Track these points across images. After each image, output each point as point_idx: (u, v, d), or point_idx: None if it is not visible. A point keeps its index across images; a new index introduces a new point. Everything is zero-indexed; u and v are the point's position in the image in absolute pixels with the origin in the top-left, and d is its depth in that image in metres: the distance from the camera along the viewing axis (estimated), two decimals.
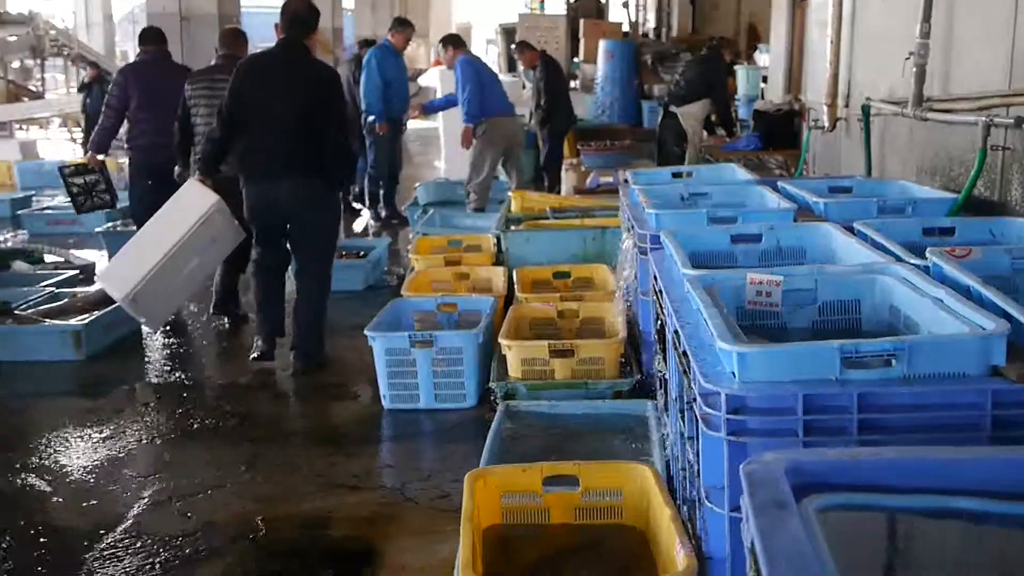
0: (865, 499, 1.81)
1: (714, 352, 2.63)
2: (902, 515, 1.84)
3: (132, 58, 32.26)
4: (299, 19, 5.67)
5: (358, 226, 10.68)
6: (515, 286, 6.07)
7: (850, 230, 3.71)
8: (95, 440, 4.82)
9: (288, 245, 5.82)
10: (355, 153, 9.20)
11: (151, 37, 7.54)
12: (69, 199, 8.09)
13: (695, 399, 2.58)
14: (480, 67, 9.47)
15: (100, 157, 7.76)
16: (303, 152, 5.53)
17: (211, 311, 6.91)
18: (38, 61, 24.88)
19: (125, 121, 7.30)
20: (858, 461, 1.86)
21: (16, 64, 25.70)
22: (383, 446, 4.80)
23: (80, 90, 20.07)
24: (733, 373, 2.45)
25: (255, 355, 5.90)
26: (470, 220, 8.49)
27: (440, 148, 13.96)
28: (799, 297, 3.12)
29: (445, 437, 4.84)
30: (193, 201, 5.74)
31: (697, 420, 2.57)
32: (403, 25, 10.79)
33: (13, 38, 21.29)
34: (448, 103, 10.05)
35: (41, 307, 6.46)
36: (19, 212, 10.75)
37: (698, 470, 2.70)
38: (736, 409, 2.38)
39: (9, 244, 9.27)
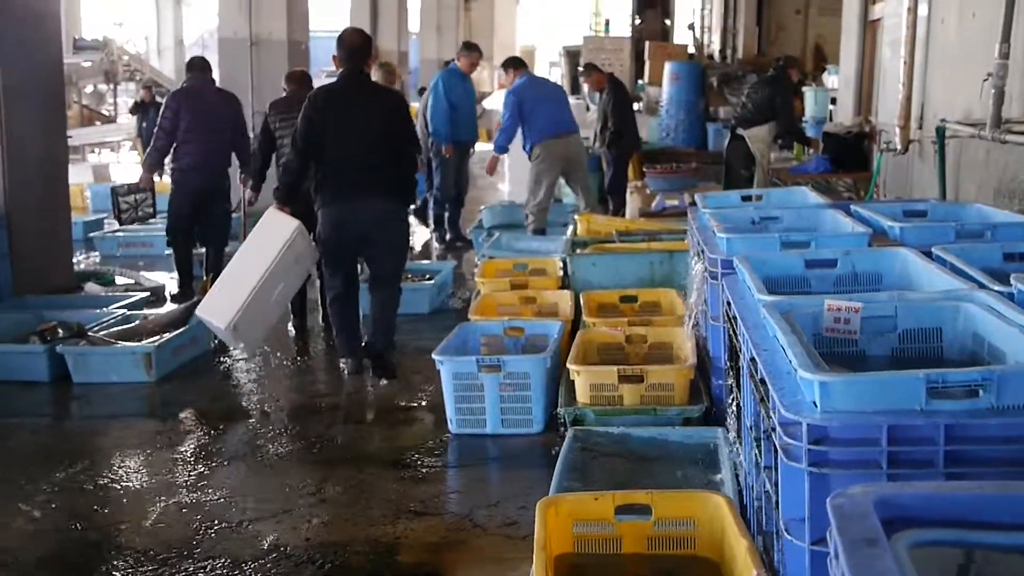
0: (958, 535, 1.75)
1: (792, 380, 2.58)
2: (996, 552, 1.78)
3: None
4: (356, 50, 5.97)
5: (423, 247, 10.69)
6: (582, 310, 6.04)
7: (927, 255, 3.62)
8: (165, 462, 4.86)
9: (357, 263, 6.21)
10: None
11: (197, 65, 8.12)
12: (116, 214, 8.63)
13: (774, 428, 2.53)
14: (532, 90, 9.45)
15: (151, 176, 8.30)
16: (383, 174, 5.84)
17: None
18: (111, 86, 25.40)
19: None
20: (951, 496, 1.80)
21: (89, 89, 26.26)
22: (450, 471, 4.78)
23: (133, 112, 20.43)
24: (814, 402, 2.40)
25: (350, 373, 6.17)
26: (536, 243, 8.47)
27: (504, 171, 13.97)
28: (878, 324, 3.05)
29: (512, 463, 4.81)
30: (276, 228, 5.93)
31: (776, 450, 2.51)
32: (470, 49, 10.84)
33: (88, 63, 21.77)
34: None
35: (113, 329, 6.55)
36: (91, 234, 10.95)
37: (776, 501, 2.64)
38: (818, 439, 2.32)
39: (82, 266, 9.42)
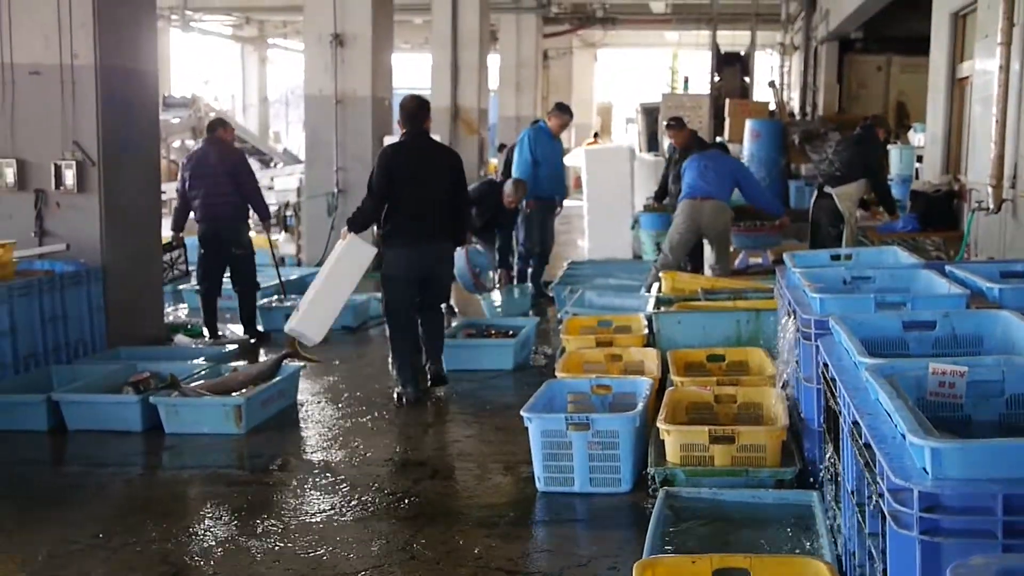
0: None
1: (899, 445, 2.54)
2: None
3: (284, 138, 33.44)
4: (413, 113, 6.95)
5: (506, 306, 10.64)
6: (668, 368, 6.01)
7: None
8: (253, 516, 4.90)
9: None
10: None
11: (212, 127, 9.15)
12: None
13: (881, 494, 2.49)
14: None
15: (177, 234, 9.11)
16: (445, 221, 6.93)
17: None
18: (198, 141, 26.04)
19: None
20: None
21: (177, 144, 26.95)
22: (538, 529, 4.76)
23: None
24: (924, 469, 2.36)
25: (409, 401, 6.84)
26: (619, 300, 8.45)
27: (583, 227, 14.02)
28: (985, 389, 2.99)
29: (601, 522, 4.77)
30: (357, 255, 6.92)
31: (884, 517, 2.47)
32: (562, 111, 10.95)
33: (176, 120, 22.35)
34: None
35: (204, 381, 6.66)
36: (180, 287, 11.16)
37: (884, 569, 2.59)
38: (930, 507, 2.28)
39: (171, 318, 9.62)
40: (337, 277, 6.88)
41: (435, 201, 6.85)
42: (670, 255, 9.56)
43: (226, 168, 8.72)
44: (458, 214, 7.07)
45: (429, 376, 7.05)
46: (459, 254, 8.71)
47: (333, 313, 6.90)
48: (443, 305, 7.46)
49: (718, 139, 11.28)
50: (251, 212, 9.10)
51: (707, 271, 9.82)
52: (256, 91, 34.12)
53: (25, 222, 7.51)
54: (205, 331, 8.93)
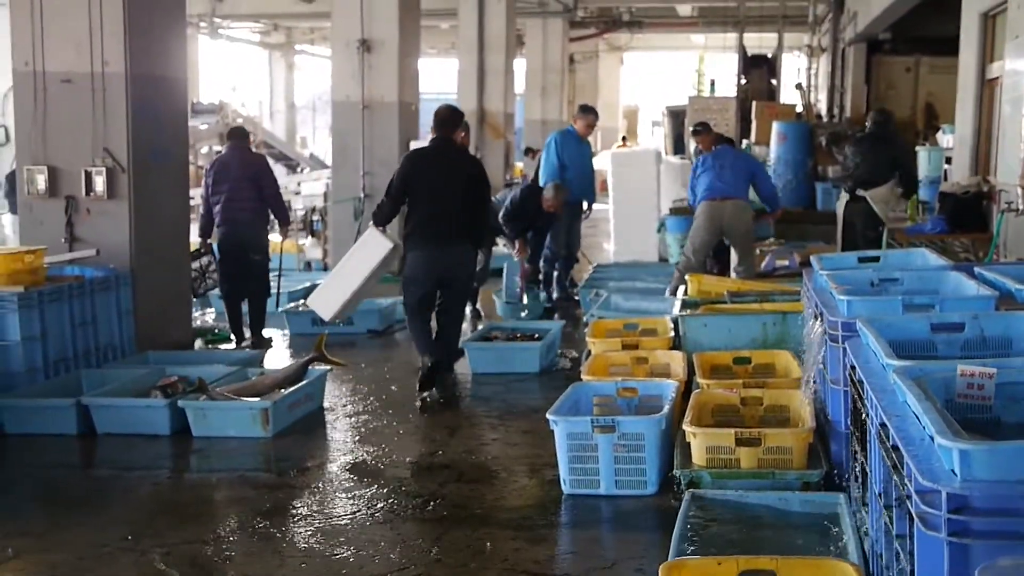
0: None
1: (927, 447, 2.52)
2: None
3: (311, 143, 33.58)
4: (443, 121, 7.32)
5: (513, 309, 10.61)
6: (694, 371, 6.00)
7: None
8: (280, 519, 4.92)
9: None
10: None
11: (234, 135, 9.27)
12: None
13: (909, 496, 2.47)
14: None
15: (204, 241, 9.12)
16: (463, 224, 7.15)
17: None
18: (224, 147, 26.20)
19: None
20: None
21: (205, 150, 27.14)
22: (564, 531, 4.76)
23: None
24: (953, 471, 2.34)
25: (423, 368, 7.20)
26: (645, 304, 8.44)
27: (609, 230, 14.01)
28: (1014, 391, 2.97)
29: (626, 524, 4.77)
30: (374, 245, 7.45)
31: (912, 519, 2.46)
32: (586, 112, 10.97)
33: (204, 126, 22.51)
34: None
35: (232, 385, 6.70)
36: (208, 292, 11.23)
37: (911, 571, 2.57)
38: (958, 508, 2.27)
39: (198, 323, 9.69)
40: (353, 263, 7.53)
41: (452, 206, 7.09)
42: (692, 258, 9.55)
43: (247, 174, 8.80)
44: (476, 219, 7.27)
45: (430, 375, 7.17)
46: (513, 264, 9.62)
47: (343, 295, 7.49)
48: (468, 308, 7.71)
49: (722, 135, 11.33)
50: (271, 218, 9.18)
51: (732, 273, 9.79)
52: (283, 97, 34.36)
53: (56, 228, 7.58)
54: (232, 336, 8.99)
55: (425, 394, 7.12)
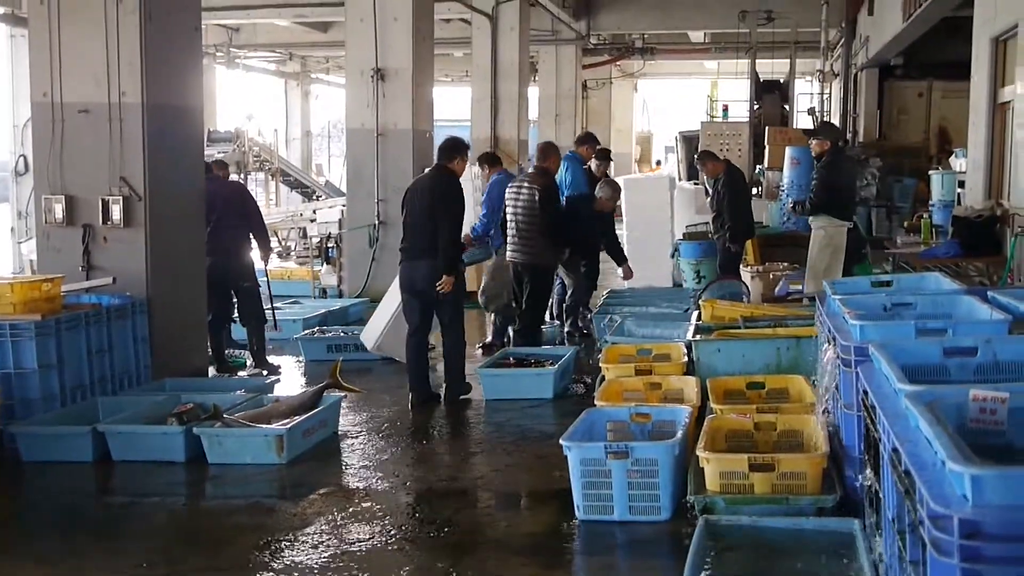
0: None
1: (939, 472, 2.52)
2: None
3: (326, 171, 33.72)
4: (442, 149, 7.89)
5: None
6: (708, 396, 5.99)
7: None
8: (295, 545, 4.93)
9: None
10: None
11: (212, 166, 9.24)
12: None
13: (922, 522, 2.47)
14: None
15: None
16: (429, 241, 7.55)
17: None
18: (242, 175, 26.37)
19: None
20: None
21: None
22: (578, 558, 4.76)
23: None
24: (965, 496, 2.34)
25: (413, 404, 7.61)
26: (659, 329, 8.44)
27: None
28: None
29: (640, 551, 4.77)
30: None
31: (924, 544, 2.46)
32: (589, 140, 11.02)
33: (221, 154, 22.65)
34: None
35: (246, 412, 6.72)
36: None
37: None
38: (971, 534, 2.27)
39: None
40: (391, 299, 8.57)
41: (421, 225, 7.61)
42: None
43: (231, 203, 8.95)
44: (441, 235, 7.55)
45: (445, 392, 7.74)
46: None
47: (378, 328, 8.62)
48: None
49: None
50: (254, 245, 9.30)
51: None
52: (299, 125, 34.53)
53: (73, 256, 7.64)
54: (251, 361, 9.06)
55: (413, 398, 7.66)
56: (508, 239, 9.04)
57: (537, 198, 8.74)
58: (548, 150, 9.33)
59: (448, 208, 7.64)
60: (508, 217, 9.01)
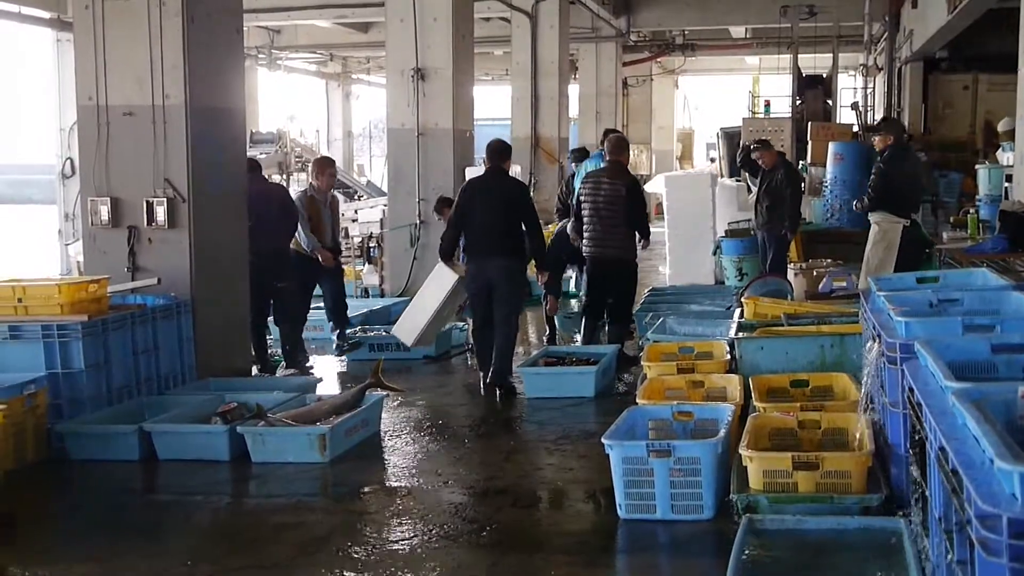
0: None
1: (987, 471, 2.49)
2: None
3: (368, 171, 33.85)
4: (493, 152, 8.25)
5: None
6: (751, 394, 5.95)
7: None
8: (337, 543, 4.95)
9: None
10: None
11: (251, 167, 8.99)
12: None
13: (969, 521, 2.44)
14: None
15: None
16: (504, 241, 7.98)
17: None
18: (284, 175, 26.54)
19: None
20: None
21: None
22: (620, 557, 4.75)
23: None
24: (1014, 495, 2.30)
25: (485, 386, 8.02)
26: (700, 328, 8.39)
27: (665, 253, 13.96)
28: None
29: (683, 550, 4.74)
30: (443, 276, 8.55)
31: (972, 544, 2.42)
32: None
33: (263, 155, 22.78)
34: None
35: (291, 411, 6.76)
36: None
37: None
38: (1020, 534, 2.23)
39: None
40: (427, 295, 8.69)
41: (495, 224, 7.97)
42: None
43: (272, 202, 8.95)
44: (516, 235, 8.08)
45: (491, 378, 7.96)
46: None
47: (420, 324, 8.65)
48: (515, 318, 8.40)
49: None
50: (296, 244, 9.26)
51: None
52: (340, 125, 34.69)
53: (119, 258, 7.72)
54: (285, 361, 9.11)
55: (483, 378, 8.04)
56: (585, 234, 8.94)
57: (624, 192, 8.74)
58: (621, 144, 9.29)
59: (533, 210, 8.30)
60: (585, 212, 8.90)
